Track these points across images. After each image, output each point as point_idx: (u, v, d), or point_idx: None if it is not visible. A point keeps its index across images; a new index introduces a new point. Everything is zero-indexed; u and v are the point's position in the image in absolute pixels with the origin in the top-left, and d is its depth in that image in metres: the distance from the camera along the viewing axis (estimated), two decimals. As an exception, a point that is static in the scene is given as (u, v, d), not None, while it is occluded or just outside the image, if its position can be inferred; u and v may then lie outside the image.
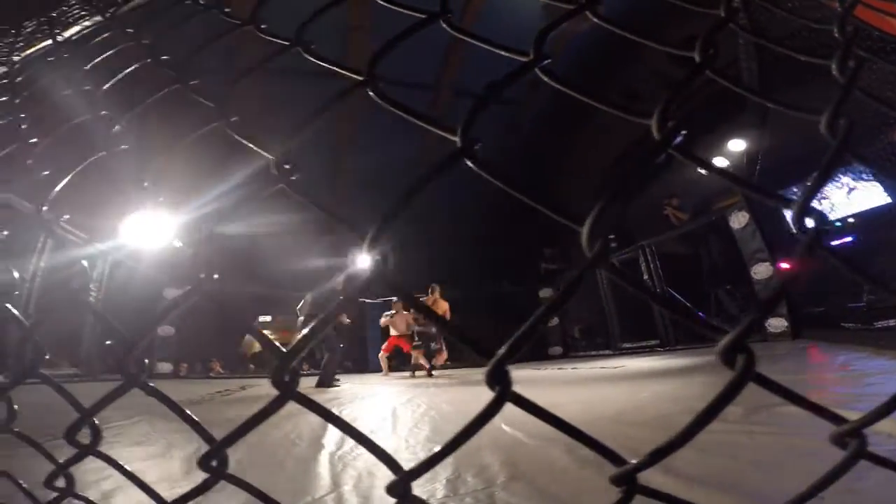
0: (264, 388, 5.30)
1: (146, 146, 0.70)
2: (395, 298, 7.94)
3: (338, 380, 5.93)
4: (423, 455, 1.74)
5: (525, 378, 5.13)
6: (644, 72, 8.27)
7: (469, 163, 0.40)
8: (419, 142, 8.76)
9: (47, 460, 0.64)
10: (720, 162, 7.03)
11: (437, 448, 0.38)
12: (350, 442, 2.01)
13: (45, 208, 0.77)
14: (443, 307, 7.67)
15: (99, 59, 0.95)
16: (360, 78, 0.49)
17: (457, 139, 0.41)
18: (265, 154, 0.48)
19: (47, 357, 0.75)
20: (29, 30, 1.59)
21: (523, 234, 10.09)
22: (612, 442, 0.37)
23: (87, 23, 1.38)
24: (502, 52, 0.52)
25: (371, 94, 0.48)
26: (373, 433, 2.16)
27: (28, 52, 1.41)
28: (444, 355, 7.71)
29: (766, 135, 6.09)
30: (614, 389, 3.49)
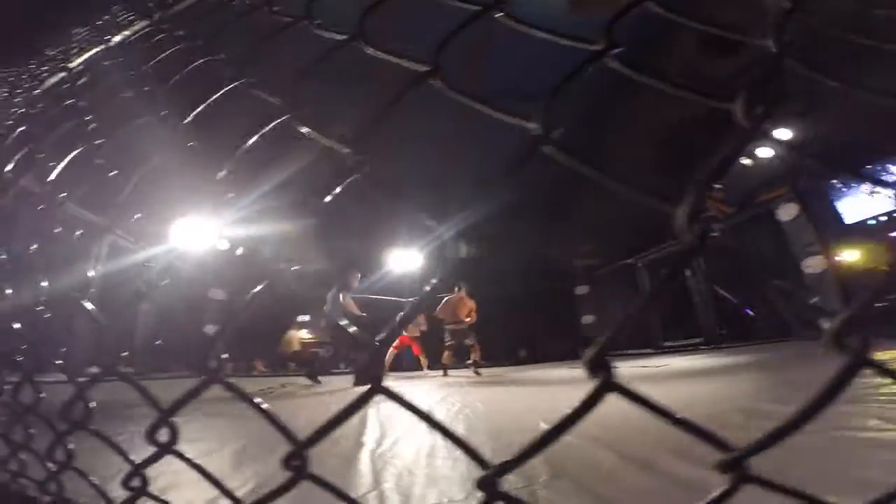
0: (302, 387, 5.47)
1: (208, 144, 0.70)
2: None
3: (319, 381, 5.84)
4: (459, 454, 1.72)
5: (558, 378, 5.05)
6: (676, 63, 7.97)
7: (547, 150, 0.39)
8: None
9: (110, 455, 0.66)
10: (767, 151, 6.69)
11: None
12: (389, 440, 2.03)
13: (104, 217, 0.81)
14: (469, 306, 7.55)
15: (154, 61, 0.97)
16: (426, 68, 0.48)
17: (534, 126, 0.40)
18: (339, 147, 0.48)
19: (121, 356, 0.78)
20: (79, 37, 1.66)
21: (556, 231, 9.93)
22: (662, 443, 0.34)
23: (135, 27, 1.40)
24: (565, 42, 0.50)
25: (437, 83, 0.48)
26: (408, 431, 2.17)
27: (83, 57, 1.47)
28: (478, 349, 7.55)
29: (813, 122, 5.76)
30: (659, 388, 3.37)
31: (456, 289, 7.62)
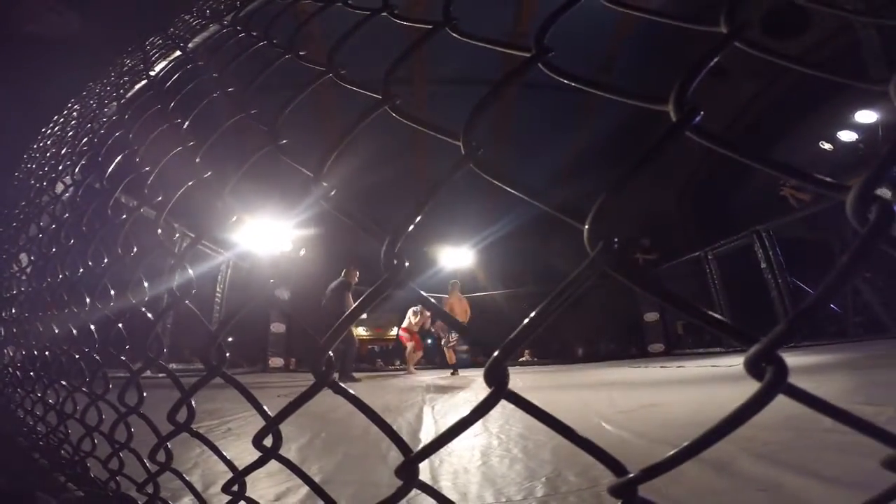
0: (363, 382, 5.70)
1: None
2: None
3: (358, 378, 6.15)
4: (516, 452, 1.74)
5: (620, 380, 4.86)
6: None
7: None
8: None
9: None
10: (847, 136, 5.95)
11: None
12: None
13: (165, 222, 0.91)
14: (464, 305, 8.03)
15: (233, 61, 0.94)
16: (378, 96, 0.51)
17: (459, 145, 0.41)
18: (307, 172, 0.53)
19: (166, 350, 0.88)
20: (156, 45, 1.77)
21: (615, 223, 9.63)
22: (735, 443, 0.33)
23: (210, 30, 1.41)
24: (504, 50, 0.50)
25: (392, 112, 0.50)
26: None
27: (163, 64, 1.53)
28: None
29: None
30: (730, 389, 3.15)
31: (449, 288, 8.19)
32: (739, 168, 8.71)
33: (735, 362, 5.15)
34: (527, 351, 9.64)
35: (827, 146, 6.65)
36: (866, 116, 5.94)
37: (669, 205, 10.54)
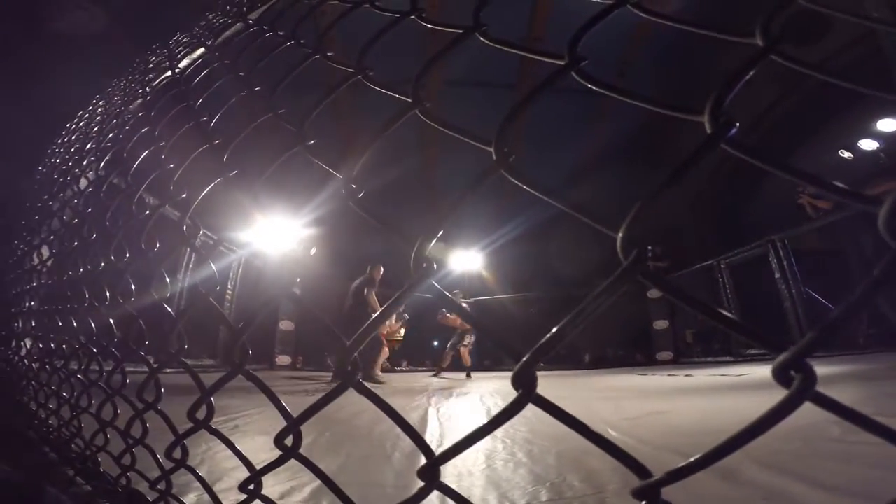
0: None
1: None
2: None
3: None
4: (521, 457, 1.73)
5: (627, 386, 4.82)
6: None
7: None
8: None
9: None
10: (868, 145, 5.83)
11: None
12: (449, 440, 2.07)
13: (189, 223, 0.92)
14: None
15: (261, 61, 0.94)
16: (408, 100, 0.52)
17: (491, 151, 0.42)
18: (336, 174, 0.54)
19: (186, 347, 0.90)
20: (182, 42, 1.79)
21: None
22: (743, 451, 0.34)
23: (234, 29, 1.39)
24: (535, 57, 0.50)
25: (420, 115, 0.51)
26: (468, 431, 2.19)
27: (188, 60, 1.55)
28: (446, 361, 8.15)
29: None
30: (738, 399, 3.12)
31: (454, 294, 8.26)
32: (755, 176, 8.60)
33: (744, 372, 5.09)
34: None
35: (847, 155, 6.52)
36: (888, 125, 5.83)
37: (683, 211, 10.45)
